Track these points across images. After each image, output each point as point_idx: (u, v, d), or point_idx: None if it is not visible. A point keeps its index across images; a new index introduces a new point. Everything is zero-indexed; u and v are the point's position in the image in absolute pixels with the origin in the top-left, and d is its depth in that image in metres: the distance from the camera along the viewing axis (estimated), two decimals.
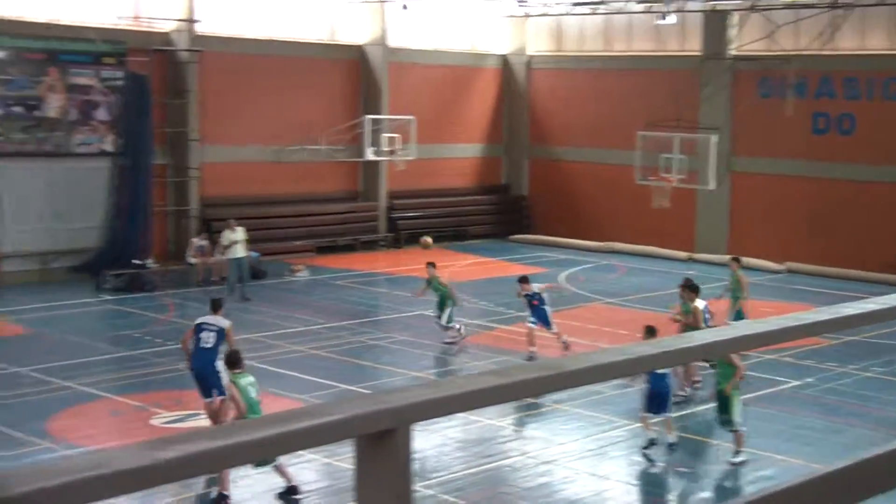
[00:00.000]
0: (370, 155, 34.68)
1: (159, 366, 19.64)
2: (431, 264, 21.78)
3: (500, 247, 36.11)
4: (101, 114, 29.83)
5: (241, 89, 32.73)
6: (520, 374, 2.25)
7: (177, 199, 31.50)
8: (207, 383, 15.08)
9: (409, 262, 32.36)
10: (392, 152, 34.75)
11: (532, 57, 39.28)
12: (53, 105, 28.95)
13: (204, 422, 16.18)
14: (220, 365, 14.62)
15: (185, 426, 16.05)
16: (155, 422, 16.52)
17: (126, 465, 1.81)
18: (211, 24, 32.04)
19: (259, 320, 23.71)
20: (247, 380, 13.39)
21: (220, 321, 15.47)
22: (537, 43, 39.31)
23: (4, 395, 17.69)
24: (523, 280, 20.73)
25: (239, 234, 26.63)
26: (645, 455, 14.99)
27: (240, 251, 26.51)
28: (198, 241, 29.19)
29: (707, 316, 17.83)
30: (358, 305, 26.30)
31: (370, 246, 35.10)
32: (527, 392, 2.30)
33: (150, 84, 29.54)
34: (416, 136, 34.93)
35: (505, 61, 39.65)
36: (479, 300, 26.34)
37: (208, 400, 15.10)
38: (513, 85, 39.64)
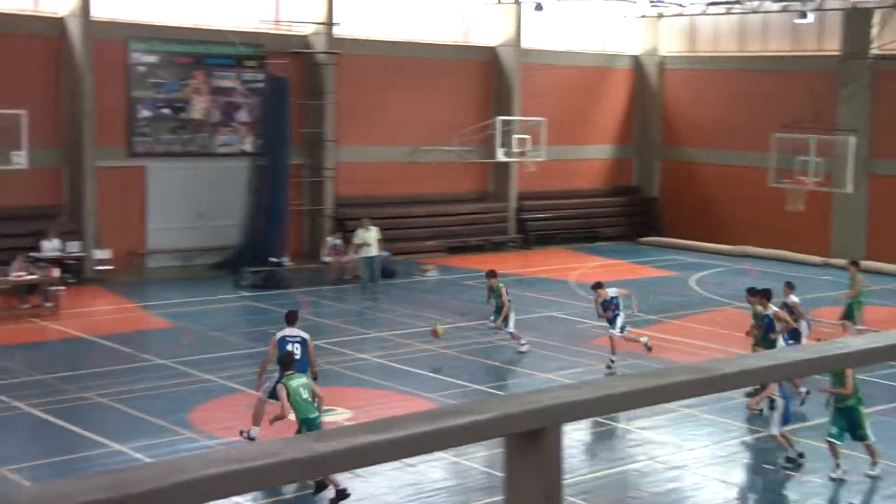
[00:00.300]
0: (501, 156, 34.92)
1: None
2: (491, 273, 21.87)
3: (630, 249, 35.95)
4: (242, 115, 30.82)
5: (375, 90, 33.34)
6: (671, 376, 2.21)
7: (312, 199, 32.29)
8: None
9: (539, 264, 32.52)
10: (522, 153, 34.92)
11: (665, 57, 38.98)
12: (198, 107, 30.05)
13: (340, 416, 16.67)
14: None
15: (322, 421, 16.47)
16: (291, 416, 16.93)
17: (289, 456, 1.86)
18: (348, 27, 32.72)
19: (389, 319, 24.16)
20: (299, 381, 13.77)
21: (301, 332, 15.75)
22: (670, 43, 39.00)
23: (150, 385, 18.43)
24: (598, 286, 20.48)
25: (373, 233, 27.19)
26: (788, 467, 14.76)
27: (373, 250, 27.08)
28: (332, 240, 29.88)
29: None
30: (486, 306, 26.50)
31: (499, 247, 35.35)
32: (678, 395, 2.26)
33: (289, 86, 30.31)
34: (547, 138, 35.03)
35: (637, 62, 39.44)
36: None
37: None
38: (645, 86, 39.41)
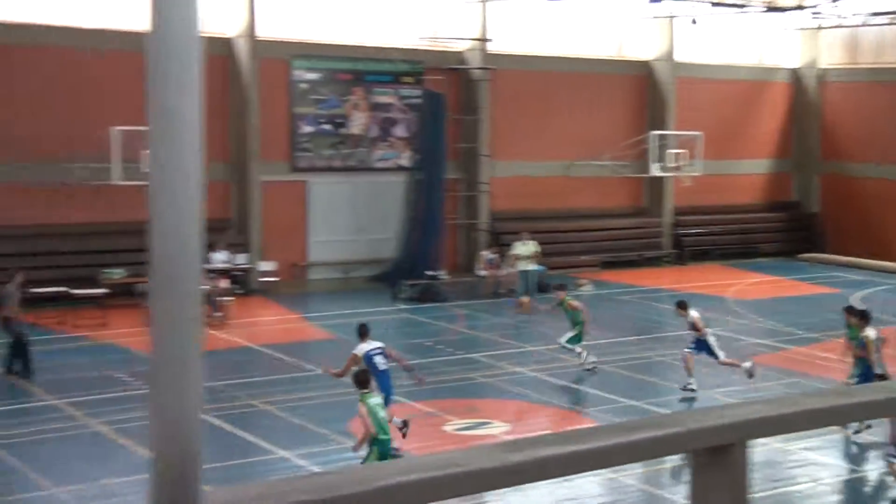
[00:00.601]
0: (656, 170, 34.70)
1: (451, 374, 20.49)
2: (562, 286, 21.75)
3: (789, 266, 35.23)
4: (400, 130, 31.46)
5: (529, 105, 33.58)
6: (858, 396, 2.17)
7: (468, 213, 32.70)
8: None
9: (694, 279, 32.15)
10: (678, 168, 34.63)
11: (825, 70, 38.11)
12: (357, 122, 30.82)
13: (497, 429, 16.88)
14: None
15: (478, 434, 16.74)
16: (447, 428, 17.14)
17: (478, 465, 1.92)
18: (503, 43, 33.06)
19: (544, 333, 24.26)
20: (375, 400, 13.60)
21: (377, 343, 16.00)
22: (830, 55, 38.11)
23: (312, 395, 18.96)
24: (680, 305, 20.08)
25: (530, 247, 27.39)
26: None
27: (529, 264, 27.28)
28: (488, 254, 30.19)
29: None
30: (642, 321, 26.46)
31: (654, 262, 35.11)
32: (868, 414, 2.17)
33: (445, 101, 30.81)
34: (703, 152, 34.66)
35: (795, 75, 38.67)
36: (765, 319, 25.91)
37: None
38: (803, 99, 38.59)
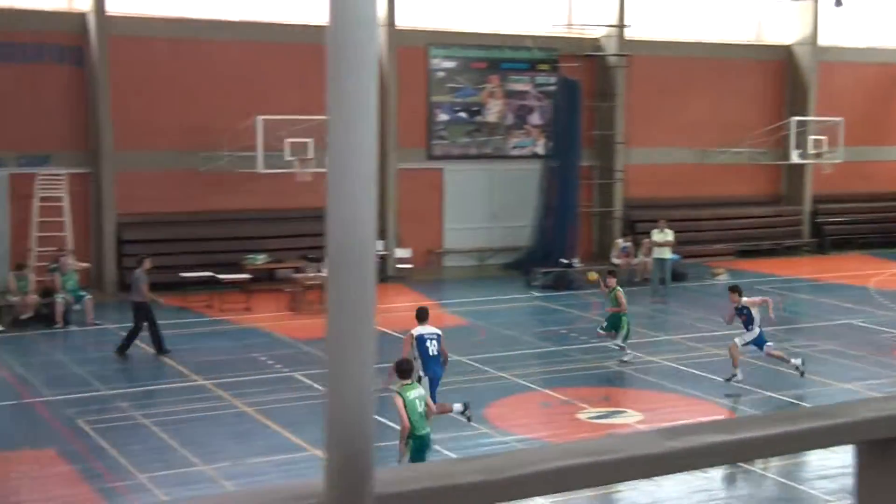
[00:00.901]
0: (795, 158, 34.03)
1: (585, 362, 20.58)
2: (611, 272, 21.28)
3: None
4: (535, 118, 31.59)
5: (666, 92, 33.29)
6: None
7: (602, 201, 32.64)
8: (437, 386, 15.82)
9: (835, 269, 31.48)
10: (818, 155, 33.90)
11: None
12: (493, 110, 31.08)
13: (632, 419, 16.95)
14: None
15: (612, 423, 16.83)
16: (581, 416, 17.24)
17: (639, 452, 1.91)
18: (639, 29, 32.84)
19: (679, 322, 24.18)
20: (416, 392, 13.03)
21: (435, 329, 16.01)
22: None
23: (449, 380, 19.21)
24: (733, 290, 19.65)
25: (667, 235, 27.26)
26: None
27: (665, 252, 27.14)
28: (622, 243, 30.11)
29: None
30: (778, 311, 26.00)
31: (793, 251, 34.47)
32: None
33: (580, 89, 30.79)
34: (844, 138, 33.84)
35: None
36: None
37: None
38: None
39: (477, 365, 20.26)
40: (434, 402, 14.88)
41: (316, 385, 18.67)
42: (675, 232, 28.65)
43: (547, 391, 18.73)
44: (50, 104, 26.66)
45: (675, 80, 33.44)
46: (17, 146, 26.36)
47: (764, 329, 19.06)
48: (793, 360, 18.82)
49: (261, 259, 27.50)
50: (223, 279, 25.84)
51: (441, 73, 30.60)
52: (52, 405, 17.37)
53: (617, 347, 20.24)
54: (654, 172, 33.22)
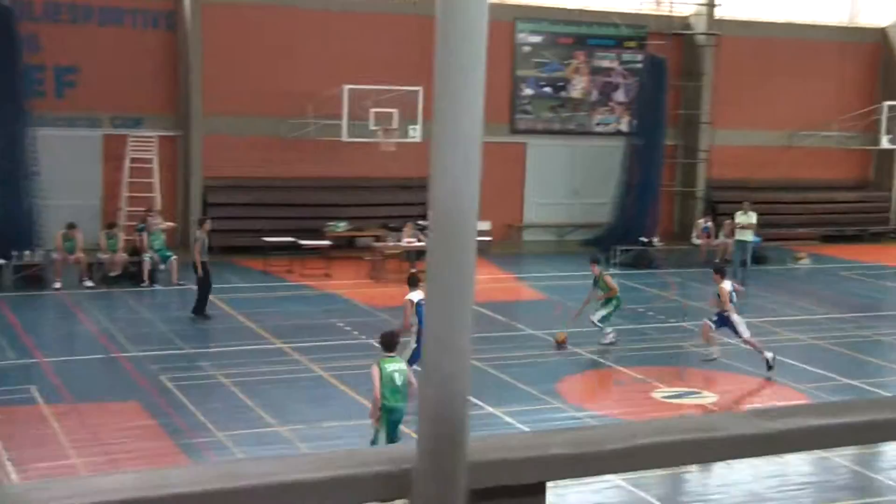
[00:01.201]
0: (886, 143, 33.39)
1: (661, 341, 20.53)
2: (596, 261, 20.69)
3: None
4: (620, 95, 31.43)
5: (754, 73, 32.86)
6: None
7: (684, 181, 32.40)
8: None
9: None
10: None
11: None
12: (578, 86, 30.99)
13: (706, 400, 16.91)
14: None
15: (686, 403, 16.80)
16: (655, 395, 17.22)
17: (735, 431, 1.92)
18: (730, 8, 32.42)
19: (760, 305, 23.95)
20: (395, 366, 12.72)
21: None
22: None
23: (522, 354, 19.39)
24: (717, 271, 19.38)
25: (751, 217, 26.97)
26: None
27: (748, 234, 26.89)
28: (703, 223, 29.88)
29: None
30: (863, 298, 25.69)
31: (878, 238, 33.88)
32: None
33: (666, 67, 30.53)
34: None
35: None
36: None
37: None
38: None
39: (552, 340, 20.32)
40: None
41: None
42: (759, 214, 28.36)
43: (622, 368, 18.74)
44: (143, 68, 27.22)
45: (764, 60, 32.97)
46: (112, 108, 27.00)
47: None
48: (766, 353, 18.52)
49: (342, 227, 27.82)
50: (304, 245, 26.21)
51: (527, 48, 30.57)
52: (136, 360, 17.85)
53: (606, 335, 19.74)
54: (739, 154, 32.85)
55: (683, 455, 1.96)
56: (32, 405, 15.21)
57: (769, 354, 18.44)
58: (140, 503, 1.81)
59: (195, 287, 21.29)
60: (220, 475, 1.91)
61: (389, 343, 13.02)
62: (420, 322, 14.94)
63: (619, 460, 1.95)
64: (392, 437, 12.71)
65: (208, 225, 21.76)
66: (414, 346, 15.16)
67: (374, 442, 12.70)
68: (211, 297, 21.34)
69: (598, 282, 20.05)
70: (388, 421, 12.63)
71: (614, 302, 19.95)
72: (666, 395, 17.23)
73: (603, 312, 19.87)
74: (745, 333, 18.79)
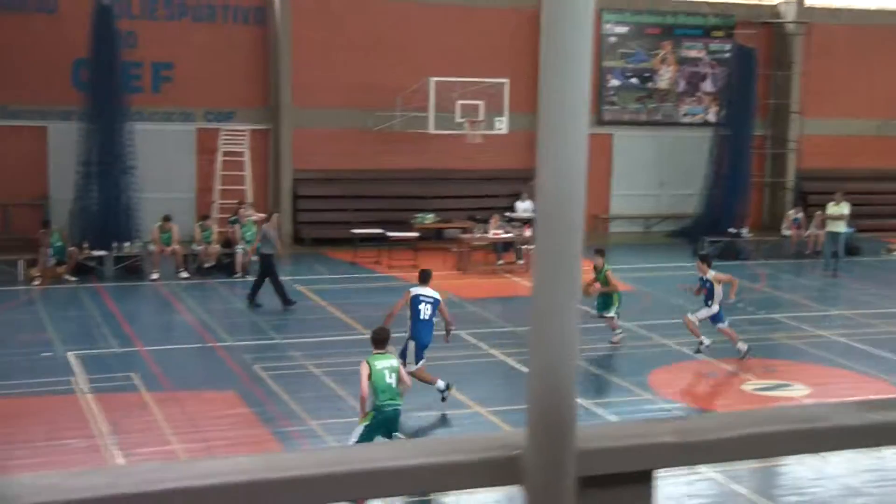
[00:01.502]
0: None
1: (751, 333, 20.27)
2: (599, 251, 19.83)
3: None
4: (707, 85, 31.17)
5: (845, 61, 32.35)
6: None
7: (774, 171, 32.03)
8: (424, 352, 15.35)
9: None
10: None
11: None
12: (665, 77, 30.80)
13: (798, 392, 16.77)
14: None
15: (778, 395, 16.67)
16: (745, 388, 17.09)
17: (842, 422, 1.91)
18: None
19: (852, 297, 23.65)
20: (385, 363, 12.24)
21: (434, 293, 15.42)
22: None
23: (612, 346, 19.36)
24: (703, 259, 18.86)
25: (842, 208, 26.59)
26: None
27: (840, 226, 26.50)
28: (793, 214, 29.52)
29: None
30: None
31: None
32: None
33: (756, 56, 30.20)
34: None
35: None
36: None
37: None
38: None
39: (642, 332, 20.27)
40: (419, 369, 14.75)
41: (481, 344, 19.06)
42: (851, 205, 27.96)
43: (713, 361, 18.60)
44: (235, 62, 27.73)
45: (855, 48, 32.42)
46: (205, 102, 27.56)
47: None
48: (740, 345, 18.22)
49: (429, 218, 28.04)
50: (392, 237, 26.48)
51: (613, 39, 30.47)
52: (231, 350, 18.24)
53: (615, 332, 19.17)
54: (830, 143, 32.38)
55: (790, 445, 1.97)
56: (134, 392, 15.67)
57: (744, 346, 18.24)
58: (261, 484, 1.85)
59: (268, 278, 21.47)
60: (331, 461, 1.93)
61: (380, 339, 12.52)
62: (412, 318, 14.99)
63: (727, 450, 1.94)
64: (371, 435, 11.90)
65: (275, 220, 22.15)
66: (408, 340, 15.15)
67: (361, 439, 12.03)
68: (301, 287, 21.71)
69: (600, 274, 19.34)
70: (375, 423, 12.00)
71: (616, 297, 19.32)
72: (757, 387, 17.08)
73: (615, 308, 19.18)
74: (699, 315, 18.54)
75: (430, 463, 1.91)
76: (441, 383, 15.32)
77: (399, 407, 12.18)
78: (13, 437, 13.60)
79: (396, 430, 12.15)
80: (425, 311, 15.17)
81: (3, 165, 26.14)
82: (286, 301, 21.22)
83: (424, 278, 15.74)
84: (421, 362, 15.32)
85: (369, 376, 12.05)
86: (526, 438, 1.94)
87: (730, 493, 12.63)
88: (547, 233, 1.92)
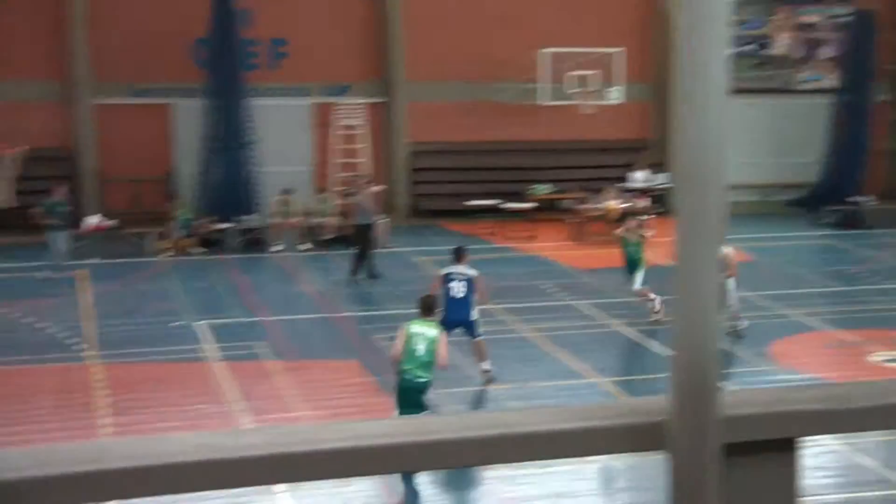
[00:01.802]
0: None
1: (877, 304, 19.91)
2: (623, 217, 19.06)
3: None
4: (826, 51, 30.46)
5: None
6: None
7: None
8: (469, 332, 15.00)
9: None
10: None
11: None
12: (781, 43, 30.19)
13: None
14: (475, 314, 14.76)
15: None
16: (871, 359, 16.75)
17: None
18: None
19: None
20: (420, 329, 11.83)
21: (468, 270, 15.08)
22: None
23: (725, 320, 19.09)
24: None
25: None
26: None
27: None
28: None
29: None
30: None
31: None
32: None
33: (876, 20, 29.38)
34: None
35: None
36: None
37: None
38: None
39: (761, 302, 20.01)
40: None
41: (597, 315, 19.05)
42: None
43: (834, 331, 18.30)
44: (348, 37, 28.02)
45: None
46: (321, 76, 27.94)
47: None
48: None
49: (544, 189, 28.04)
50: (507, 208, 26.55)
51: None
52: (349, 320, 18.57)
53: (652, 301, 18.43)
54: None
55: (847, 424, 1.98)
56: (260, 360, 16.10)
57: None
58: (407, 447, 1.93)
59: (376, 250, 21.69)
60: (485, 423, 1.99)
61: (426, 306, 12.26)
62: (444, 296, 14.68)
63: (871, 418, 1.92)
64: (398, 401, 11.60)
65: (371, 191, 22.25)
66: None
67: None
68: (419, 259, 21.90)
69: (628, 244, 18.97)
70: (398, 386, 11.65)
71: (643, 261, 18.87)
72: (885, 358, 16.72)
73: (640, 276, 18.75)
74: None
75: (576, 427, 1.94)
76: (486, 365, 15.07)
77: (423, 379, 11.54)
78: (148, 401, 14.13)
79: (421, 404, 11.41)
80: (457, 288, 14.86)
81: (131, 142, 26.95)
82: (373, 274, 21.40)
83: (459, 256, 15.43)
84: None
85: (403, 339, 11.74)
86: (670, 404, 1.94)
87: (856, 466, 12.44)
88: (687, 201, 1.95)
